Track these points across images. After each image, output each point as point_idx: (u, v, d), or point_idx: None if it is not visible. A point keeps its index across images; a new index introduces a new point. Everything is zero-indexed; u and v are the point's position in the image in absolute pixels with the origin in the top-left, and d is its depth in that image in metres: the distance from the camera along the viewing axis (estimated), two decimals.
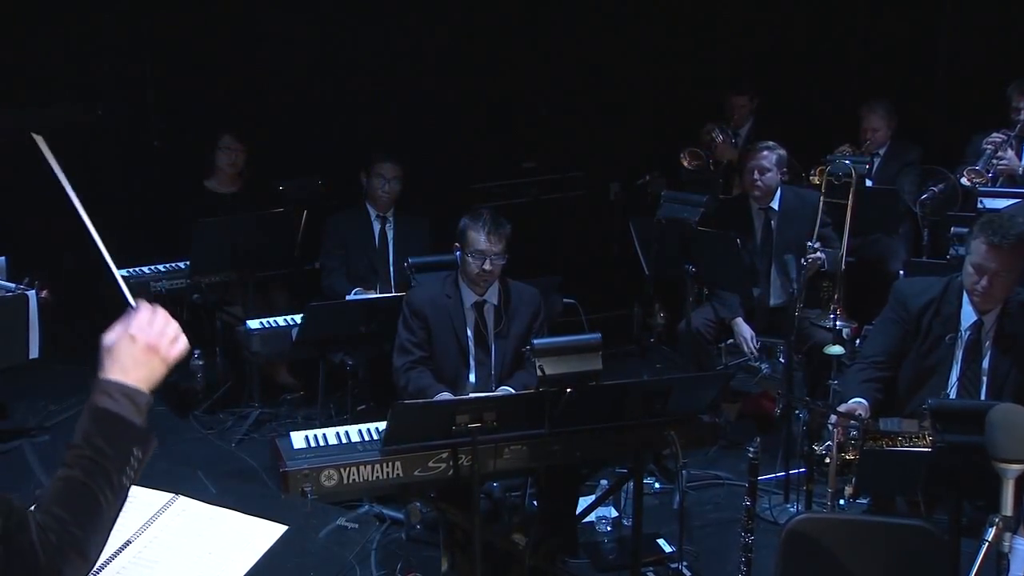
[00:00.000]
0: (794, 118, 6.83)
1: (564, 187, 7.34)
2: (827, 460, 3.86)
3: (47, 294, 4.91)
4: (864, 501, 4.02)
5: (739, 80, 7.24)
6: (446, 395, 4.18)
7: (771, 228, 5.54)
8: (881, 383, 4.01)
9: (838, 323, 4.82)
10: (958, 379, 3.89)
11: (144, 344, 1.85)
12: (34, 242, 6.03)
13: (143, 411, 1.81)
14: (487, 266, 4.25)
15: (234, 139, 6.22)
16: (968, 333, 3.88)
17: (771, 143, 5.51)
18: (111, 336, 1.88)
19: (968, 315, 3.89)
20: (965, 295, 3.88)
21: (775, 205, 5.53)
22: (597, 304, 5.98)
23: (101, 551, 1.78)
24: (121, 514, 1.89)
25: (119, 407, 1.79)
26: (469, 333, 4.37)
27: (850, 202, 5.07)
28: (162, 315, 1.88)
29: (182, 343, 1.89)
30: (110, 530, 1.79)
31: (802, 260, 5.05)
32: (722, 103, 7.19)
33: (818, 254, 5.08)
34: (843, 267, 5.02)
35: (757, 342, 5.53)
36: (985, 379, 3.87)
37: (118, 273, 1.99)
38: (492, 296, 4.39)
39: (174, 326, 1.89)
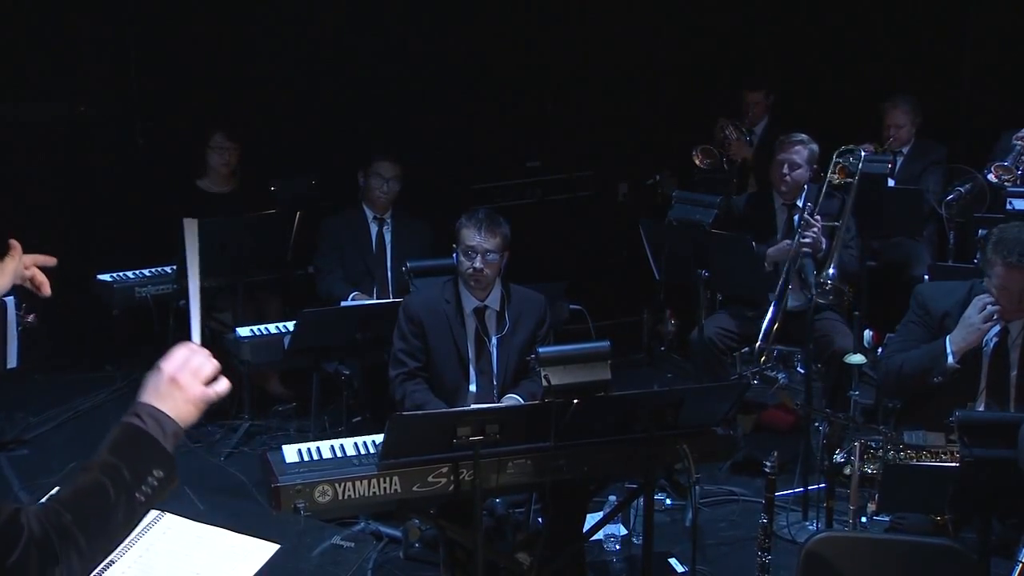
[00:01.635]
0: (812, 115, 6.82)
1: (570, 187, 7.34)
2: (847, 472, 3.85)
3: (34, 318, 4.92)
4: (886, 519, 4.01)
5: (754, 75, 7.24)
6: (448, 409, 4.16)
7: (794, 226, 5.53)
8: None
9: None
10: (984, 390, 3.89)
11: (168, 376, 1.98)
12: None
13: (169, 437, 1.92)
14: (478, 263, 4.25)
15: (226, 138, 6.22)
16: (994, 341, 3.88)
17: (804, 136, 5.49)
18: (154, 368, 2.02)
19: None
20: None
21: (800, 203, 5.52)
22: (605, 310, 5.99)
23: (103, 559, 1.87)
24: None
25: (143, 424, 1.91)
26: (469, 340, 4.36)
27: (851, 197, 5.16)
28: (200, 355, 2.02)
29: (217, 385, 2.02)
30: (117, 541, 1.89)
31: (798, 237, 5.07)
32: (737, 99, 7.19)
33: (815, 229, 5.10)
34: (826, 246, 5.10)
35: (775, 351, 5.52)
36: (1013, 390, 3.87)
37: (196, 315, 2.17)
38: (494, 301, 4.38)
39: (209, 367, 2.02)
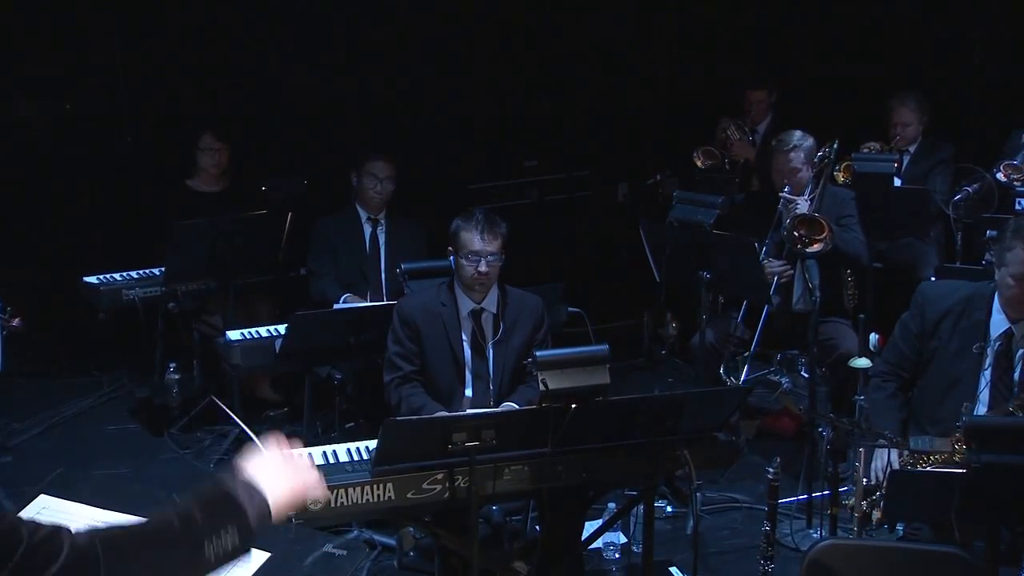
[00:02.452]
0: (816, 113, 6.83)
1: (569, 187, 7.35)
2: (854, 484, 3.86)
3: (19, 322, 4.91)
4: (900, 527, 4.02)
5: (757, 73, 7.24)
6: (443, 415, 4.16)
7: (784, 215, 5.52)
8: (904, 395, 4.12)
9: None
10: (989, 392, 3.90)
11: (281, 460, 2.03)
12: None
13: (255, 510, 1.92)
14: (483, 268, 4.26)
15: (215, 138, 6.22)
16: (998, 343, 3.89)
17: (796, 136, 5.49)
18: (273, 453, 2.06)
19: (998, 324, 3.90)
20: (995, 302, 3.90)
21: (806, 197, 5.51)
22: (604, 313, 5.99)
23: None
24: None
25: (235, 489, 1.93)
26: (465, 344, 4.37)
27: (819, 189, 5.32)
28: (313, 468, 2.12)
29: (315, 490, 2.10)
30: None
31: (779, 207, 5.22)
32: (739, 98, 7.19)
33: (799, 202, 5.22)
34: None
35: (779, 356, 5.53)
36: (1017, 391, 3.87)
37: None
38: (490, 304, 4.38)
39: (315, 476, 2.11)
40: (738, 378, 5.40)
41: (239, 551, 1.89)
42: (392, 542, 4.57)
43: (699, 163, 6.91)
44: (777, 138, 5.61)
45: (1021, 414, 3.74)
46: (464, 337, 4.37)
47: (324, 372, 5.27)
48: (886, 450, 3.81)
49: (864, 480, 3.81)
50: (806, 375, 5.73)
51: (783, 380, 6.13)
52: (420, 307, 4.38)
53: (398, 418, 3.67)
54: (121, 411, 6.19)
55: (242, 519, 1.89)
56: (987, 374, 3.90)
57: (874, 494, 3.80)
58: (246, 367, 5.38)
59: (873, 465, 3.86)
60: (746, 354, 5.58)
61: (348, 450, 3.68)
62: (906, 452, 3.72)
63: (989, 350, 3.89)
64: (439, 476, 3.52)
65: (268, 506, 1.94)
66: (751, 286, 5.29)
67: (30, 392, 6.26)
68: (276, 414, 6.03)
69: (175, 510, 1.85)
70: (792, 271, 5.36)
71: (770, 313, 5.46)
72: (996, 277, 3.88)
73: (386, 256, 5.86)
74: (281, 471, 2.00)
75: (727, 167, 6.91)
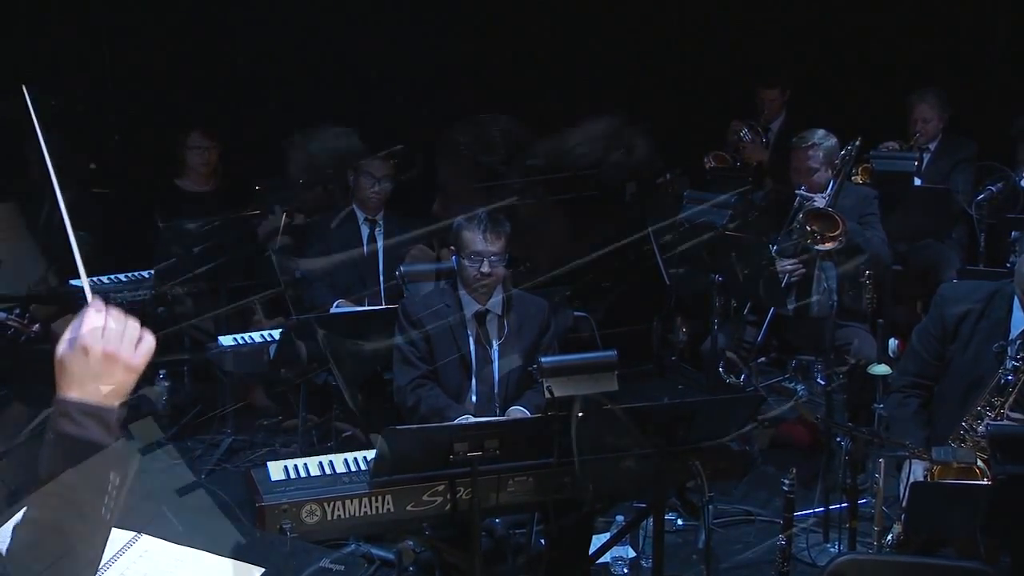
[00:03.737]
0: (832, 112, 6.82)
1: (574, 186, 7.33)
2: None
3: (37, 328, 4.91)
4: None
5: (769, 71, 7.23)
6: (468, 418, 4.16)
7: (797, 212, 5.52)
8: (928, 410, 4.08)
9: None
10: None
11: (100, 353, 1.77)
12: None
13: (113, 428, 1.75)
14: (485, 268, 4.26)
15: (204, 136, 6.23)
16: (1019, 342, 3.87)
17: (818, 135, 5.47)
18: (61, 347, 1.80)
19: (1019, 322, 3.88)
20: (1016, 300, 3.88)
21: (824, 197, 5.51)
22: (611, 318, 5.97)
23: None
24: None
25: (83, 430, 1.73)
26: (471, 347, 4.36)
27: (837, 185, 5.31)
28: (116, 315, 1.81)
29: (147, 343, 1.82)
30: (93, 572, 1.75)
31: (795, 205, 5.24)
32: (751, 96, 7.18)
33: (816, 199, 5.25)
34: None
35: (794, 363, 5.52)
36: None
37: (82, 267, 1.97)
38: (495, 306, 4.38)
39: (133, 325, 1.81)
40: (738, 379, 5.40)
41: (126, 481, 1.79)
42: (391, 556, 4.56)
43: (710, 167, 6.92)
44: (798, 135, 5.59)
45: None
46: (470, 340, 4.36)
47: (320, 379, 5.26)
48: (912, 469, 3.78)
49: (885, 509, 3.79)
50: (822, 382, 5.72)
51: (798, 387, 6.11)
52: (425, 307, 4.38)
53: (397, 427, 3.66)
54: None
55: (111, 456, 1.75)
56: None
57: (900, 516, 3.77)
58: (239, 373, 5.39)
59: (900, 487, 3.82)
60: (762, 360, 5.58)
61: (345, 460, 3.67)
62: (930, 463, 3.70)
63: (1011, 349, 3.87)
64: (440, 487, 3.51)
65: (119, 410, 1.77)
66: (763, 290, 5.28)
67: (9, 402, 6.24)
68: (270, 422, 6.03)
69: (62, 513, 1.71)
70: (803, 270, 5.34)
71: (778, 316, 5.44)
72: (1016, 267, 3.87)
73: (384, 258, 5.86)
74: (117, 356, 1.78)
75: (739, 170, 6.91)
